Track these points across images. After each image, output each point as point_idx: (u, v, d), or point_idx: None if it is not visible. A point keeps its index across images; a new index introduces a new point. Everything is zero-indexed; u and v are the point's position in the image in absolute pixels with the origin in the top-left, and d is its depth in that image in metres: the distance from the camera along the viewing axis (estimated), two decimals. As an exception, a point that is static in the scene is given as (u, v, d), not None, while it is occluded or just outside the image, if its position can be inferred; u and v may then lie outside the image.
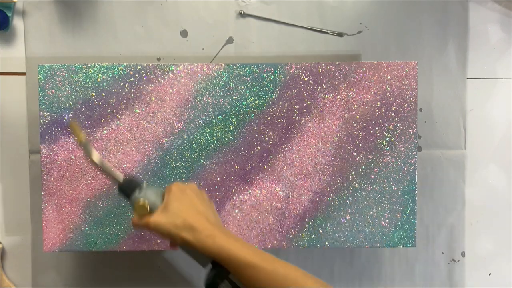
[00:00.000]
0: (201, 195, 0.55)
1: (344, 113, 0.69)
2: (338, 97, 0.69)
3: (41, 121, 0.68)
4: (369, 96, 0.69)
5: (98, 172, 0.65)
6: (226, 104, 0.69)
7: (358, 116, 0.70)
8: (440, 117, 0.81)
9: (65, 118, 0.67)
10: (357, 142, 0.70)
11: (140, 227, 0.52)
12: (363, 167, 0.70)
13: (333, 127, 0.70)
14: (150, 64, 0.68)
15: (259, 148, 0.70)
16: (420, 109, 0.81)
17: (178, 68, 0.68)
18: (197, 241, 0.48)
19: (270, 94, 0.69)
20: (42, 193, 0.68)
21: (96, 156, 0.55)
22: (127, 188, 0.55)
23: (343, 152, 0.70)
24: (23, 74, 0.79)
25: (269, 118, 0.69)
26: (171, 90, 0.69)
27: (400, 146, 0.70)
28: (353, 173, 0.70)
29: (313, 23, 0.80)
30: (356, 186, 0.70)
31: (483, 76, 0.83)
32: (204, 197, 0.55)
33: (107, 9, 0.79)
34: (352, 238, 0.70)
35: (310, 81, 0.69)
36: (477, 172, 0.83)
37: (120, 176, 0.55)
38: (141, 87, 0.68)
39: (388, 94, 0.69)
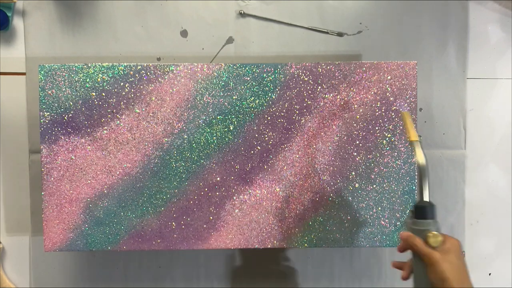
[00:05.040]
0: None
1: (344, 113, 0.69)
2: (338, 97, 0.69)
3: (41, 121, 0.68)
4: (369, 96, 0.69)
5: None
6: (226, 104, 0.69)
7: (358, 116, 0.70)
8: (440, 117, 0.81)
9: (400, 109, 0.69)
10: (357, 142, 0.70)
11: (415, 248, 0.54)
12: (363, 167, 0.70)
13: (333, 127, 0.69)
14: (150, 64, 0.68)
15: (259, 148, 0.70)
16: (420, 109, 0.81)
17: (178, 68, 0.68)
18: None
19: (270, 94, 0.69)
20: (42, 193, 0.68)
21: (421, 158, 0.57)
22: (428, 211, 0.55)
23: (343, 152, 0.70)
24: (23, 74, 0.79)
25: (269, 118, 0.69)
26: (171, 90, 0.69)
27: (400, 146, 0.70)
28: (353, 173, 0.70)
29: (313, 23, 0.80)
30: (356, 186, 0.70)
31: (483, 76, 0.83)
32: None
33: (107, 9, 0.79)
34: (352, 238, 0.70)
35: (310, 81, 0.69)
36: (477, 172, 0.83)
37: (427, 194, 0.57)
38: (141, 87, 0.68)
39: (388, 94, 0.69)
